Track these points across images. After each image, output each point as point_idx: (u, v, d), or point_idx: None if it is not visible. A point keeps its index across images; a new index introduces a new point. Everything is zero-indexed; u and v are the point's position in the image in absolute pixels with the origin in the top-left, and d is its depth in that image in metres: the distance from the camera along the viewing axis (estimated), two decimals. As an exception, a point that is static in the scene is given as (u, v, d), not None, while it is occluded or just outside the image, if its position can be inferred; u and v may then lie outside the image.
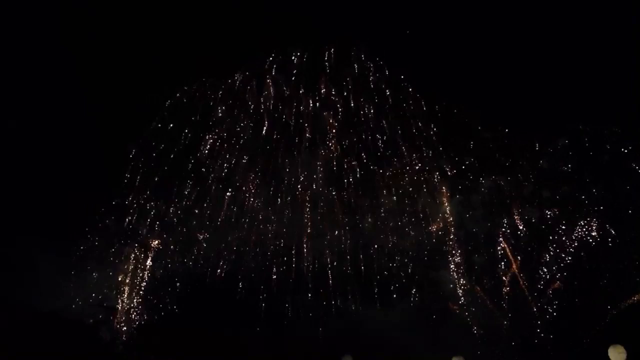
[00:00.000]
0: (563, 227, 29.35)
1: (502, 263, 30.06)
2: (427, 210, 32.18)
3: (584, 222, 29.07)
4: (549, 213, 29.93)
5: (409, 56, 34.07)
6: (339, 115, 33.90)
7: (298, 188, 32.82)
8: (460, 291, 30.45)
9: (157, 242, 31.27)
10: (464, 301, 30.25)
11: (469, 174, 31.94)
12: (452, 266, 30.84)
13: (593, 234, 28.78)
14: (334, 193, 32.83)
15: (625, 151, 28.88)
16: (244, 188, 32.66)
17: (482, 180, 31.50)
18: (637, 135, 28.75)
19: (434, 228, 31.87)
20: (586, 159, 29.88)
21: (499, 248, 30.24)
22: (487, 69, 33.17)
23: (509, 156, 31.63)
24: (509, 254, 30.19)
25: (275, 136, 33.64)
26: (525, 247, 30.01)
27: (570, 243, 28.96)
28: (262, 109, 34.06)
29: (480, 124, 32.39)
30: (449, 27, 34.22)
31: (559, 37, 32.03)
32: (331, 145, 33.39)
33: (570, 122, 30.76)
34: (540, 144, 31.18)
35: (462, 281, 30.62)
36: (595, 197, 29.17)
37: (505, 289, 29.78)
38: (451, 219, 31.70)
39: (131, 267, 30.60)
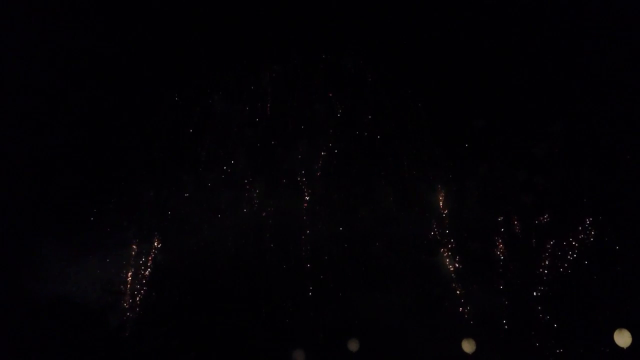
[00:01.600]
0: (560, 218, 30.32)
1: (499, 252, 30.94)
2: (422, 198, 32.78)
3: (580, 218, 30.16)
4: (544, 216, 30.83)
5: (401, 49, 34.31)
6: (335, 110, 34.31)
7: (296, 180, 33.31)
8: (455, 279, 31.15)
9: (158, 230, 31.50)
10: (459, 289, 30.94)
11: (463, 162, 32.50)
12: (446, 255, 31.55)
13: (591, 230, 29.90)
14: (331, 184, 33.32)
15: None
16: (244, 181, 33.04)
17: (477, 168, 32.19)
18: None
19: (429, 216, 32.50)
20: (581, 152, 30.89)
21: (496, 240, 31.12)
22: (478, 59, 33.43)
23: (502, 145, 32.28)
24: (502, 244, 31.08)
25: (272, 131, 34.09)
26: (522, 238, 30.86)
27: (567, 236, 29.91)
28: (259, 104, 34.50)
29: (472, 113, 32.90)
30: (440, 18, 34.44)
31: (554, 28, 32.61)
32: (328, 139, 33.89)
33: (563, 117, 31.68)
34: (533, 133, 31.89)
35: (457, 270, 31.34)
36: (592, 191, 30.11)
37: (502, 279, 30.58)
38: (445, 209, 32.46)
39: (134, 253, 30.82)
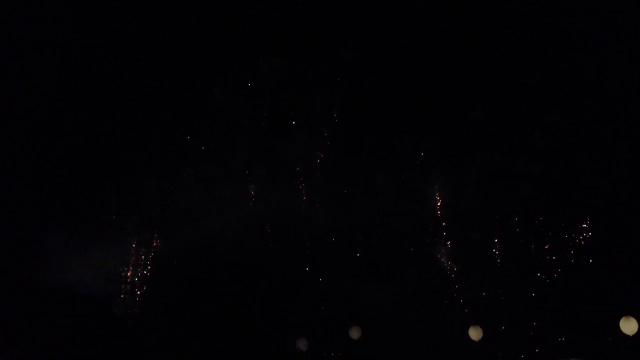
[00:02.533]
0: (558, 209, 30.76)
1: (498, 243, 31.29)
2: (421, 189, 33.04)
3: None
4: (543, 207, 31.18)
5: (399, 41, 34.47)
6: (334, 102, 34.45)
7: (296, 171, 33.52)
8: (455, 270, 31.47)
9: (160, 221, 31.59)
10: (459, 280, 31.26)
11: (462, 154, 32.70)
12: (446, 246, 31.89)
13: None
14: (331, 176, 33.55)
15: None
16: (244, 172, 33.19)
17: (475, 160, 32.42)
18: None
19: (428, 207, 32.77)
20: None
21: (495, 231, 31.47)
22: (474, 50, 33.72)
23: (500, 137, 32.53)
24: (501, 235, 31.43)
25: (272, 123, 34.24)
26: (521, 228, 31.24)
27: (566, 226, 30.33)
28: (259, 97, 34.63)
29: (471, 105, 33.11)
30: (437, 10, 34.58)
31: (552, 23, 32.95)
32: (327, 132, 34.08)
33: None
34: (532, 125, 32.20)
35: (456, 260, 31.66)
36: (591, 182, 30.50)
37: (501, 269, 30.94)
38: (444, 200, 32.76)
39: (136, 244, 30.90)
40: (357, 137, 33.78)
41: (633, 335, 22.04)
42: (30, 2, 32.27)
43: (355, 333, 27.67)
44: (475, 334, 24.57)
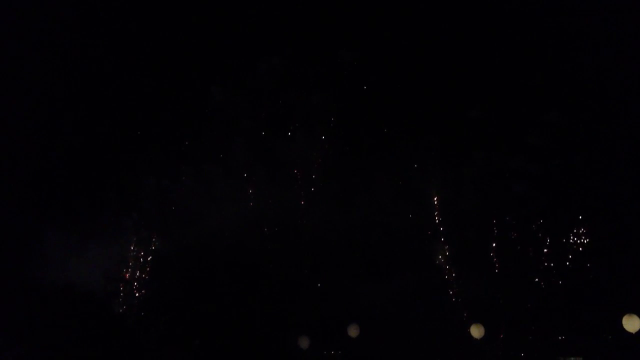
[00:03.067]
0: (556, 208, 30.80)
1: (496, 241, 31.31)
2: (420, 188, 33.09)
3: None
4: (540, 206, 31.23)
5: (397, 41, 34.51)
6: (333, 102, 34.46)
7: (295, 171, 33.55)
8: (454, 268, 31.52)
9: (160, 220, 31.58)
10: (457, 277, 31.29)
11: (461, 153, 32.71)
12: (444, 244, 31.92)
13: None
14: (330, 175, 33.58)
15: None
16: (244, 171, 33.22)
17: (474, 159, 32.44)
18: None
19: (427, 206, 32.82)
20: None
21: (493, 229, 31.48)
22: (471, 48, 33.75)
23: (499, 136, 32.55)
24: (499, 233, 31.45)
25: (271, 123, 34.29)
26: (519, 227, 31.28)
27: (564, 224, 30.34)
28: (258, 97, 34.66)
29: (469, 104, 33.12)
30: (435, 10, 34.65)
31: (550, 23, 33.02)
32: (327, 131, 34.12)
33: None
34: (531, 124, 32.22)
35: (455, 258, 31.69)
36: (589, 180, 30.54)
37: (499, 267, 30.98)
38: (443, 199, 32.80)
39: (136, 243, 30.91)
40: (356, 137, 33.76)
41: (635, 333, 21.92)
42: (30, 2, 32.27)
43: (353, 331, 27.63)
44: (477, 331, 24.57)
